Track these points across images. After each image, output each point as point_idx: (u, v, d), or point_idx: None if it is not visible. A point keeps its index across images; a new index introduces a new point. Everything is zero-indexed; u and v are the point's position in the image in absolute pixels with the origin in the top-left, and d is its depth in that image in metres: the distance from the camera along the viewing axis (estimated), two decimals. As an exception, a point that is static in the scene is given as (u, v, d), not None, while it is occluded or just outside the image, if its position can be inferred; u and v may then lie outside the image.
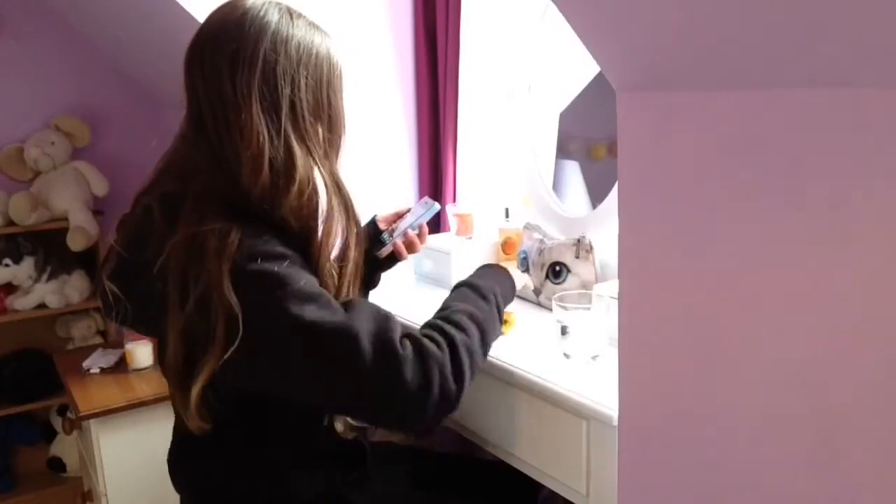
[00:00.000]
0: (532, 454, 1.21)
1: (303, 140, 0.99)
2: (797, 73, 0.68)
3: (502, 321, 1.16)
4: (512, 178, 1.92)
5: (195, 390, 0.95)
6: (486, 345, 1.05)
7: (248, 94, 0.96)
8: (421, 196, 2.04)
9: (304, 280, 0.94)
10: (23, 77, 2.39)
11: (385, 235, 1.35)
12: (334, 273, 1.03)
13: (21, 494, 2.45)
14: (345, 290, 1.05)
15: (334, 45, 1.05)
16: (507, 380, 1.22)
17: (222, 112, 0.97)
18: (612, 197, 1.61)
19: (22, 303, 2.33)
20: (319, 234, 1.00)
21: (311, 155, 1.00)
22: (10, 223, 2.28)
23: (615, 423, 0.99)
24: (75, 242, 2.27)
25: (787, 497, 0.77)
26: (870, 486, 0.70)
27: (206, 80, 0.98)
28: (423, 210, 1.37)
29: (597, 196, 1.73)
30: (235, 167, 0.97)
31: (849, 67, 0.64)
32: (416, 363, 0.92)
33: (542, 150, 1.85)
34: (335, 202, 1.02)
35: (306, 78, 0.99)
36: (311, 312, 0.91)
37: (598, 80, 1.64)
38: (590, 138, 1.81)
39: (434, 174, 2.04)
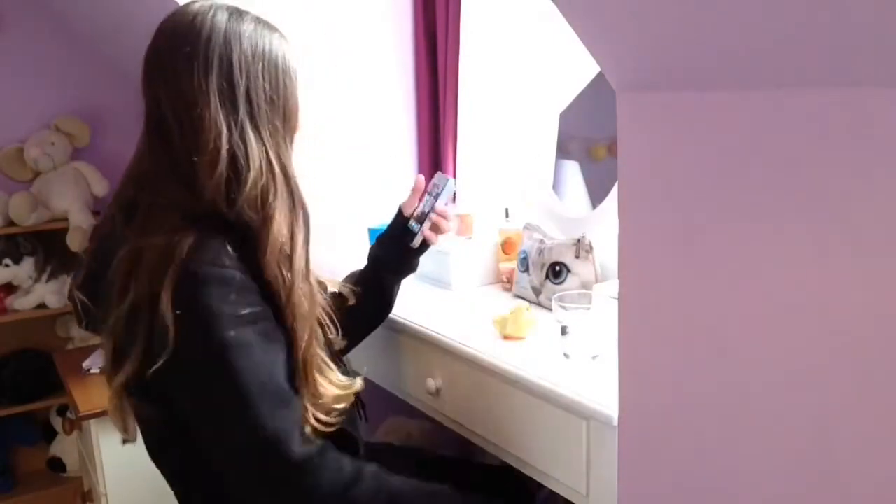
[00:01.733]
0: (532, 454, 1.21)
1: (258, 129, 1.03)
2: (797, 73, 0.68)
3: None
4: (512, 178, 1.92)
5: (111, 394, 1.00)
6: None
7: (207, 89, 1.00)
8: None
9: (236, 322, 0.96)
10: (23, 77, 2.39)
11: (413, 223, 1.38)
12: (281, 266, 1.05)
13: (21, 494, 2.45)
14: (297, 280, 1.05)
15: (283, 38, 1.09)
16: (507, 380, 1.22)
17: (184, 111, 1.00)
18: (612, 197, 1.61)
19: (22, 303, 2.33)
20: (272, 218, 1.03)
21: (266, 144, 1.03)
22: (10, 223, 2.28)
23: (615, 423, 0.99)
24: (75, 242, 2.27)
25: (785, 496, 0.77)
26: (868, 485, 0.70)
27: (166, 84, 1.02)
28: (440, 189, 1.38)
29: (597, 196, 1.73)
30: (193, 166, 1.00)
31: (849, 67, 0.64)
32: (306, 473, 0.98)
33: (542, 150, 1.85)
34: (281, 190, 1.05)
35: (262, 67, 1.03)
36: (236, 357, 0.95)
37: (598, 80, 1.64)
38: (590, 138, 1.82)
39: (434, 174, 2.03)
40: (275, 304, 1.03)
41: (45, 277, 2.37)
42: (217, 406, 0.98)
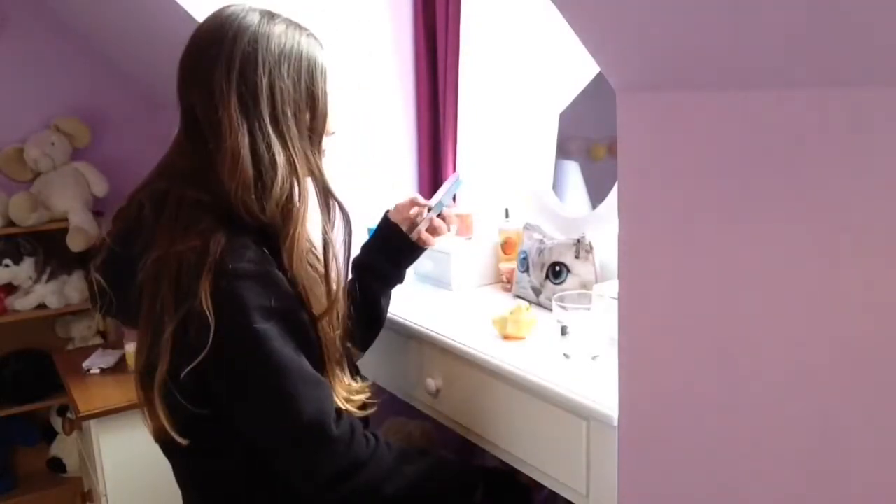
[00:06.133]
0: (532, 454, 1.21)
1: (281, 131, 1.02)
2: (797, 73, 0.68)
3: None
4: (512, 178, 1.92)
5: (156, 391, 0.99)
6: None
7: (228, 90, 1.00)
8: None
9: (268, 314, 0.97)
10: (23, 77, 2.39)
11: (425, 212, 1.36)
12: (317, 260, 1.08)
13: (21, 494, 2.45)
14: (332, 277, 1.08)
15: (314, 39, 1.08)
16: (507, 380, 1.22)
17: (212, 112, 1.01)
18: (612, 197, 1.61)
19: (22, 303, 2.33)
20: (295, 220, 1.03)
21: (291, 145, 1.03)
22: (10, 223, 2.28)
23: (615, 423, 0.99)
24: (75, 243, 2.27)
25: (786, 496, 0.77)
26: (869, 484, 0.70)
27: (194, 87, 1.02)
28: (448, 186, 1.36)
29: (597, 196, 1.73)
30: (220, 168, 1.00)
31: (849, 67, 0.64)
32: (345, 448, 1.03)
33: (542, 150, 1.85)
34: (307, 192, 1.05)
35: (288, 68, 1.03)
36: (272, 346, 0.97)
37: (598, 80, 1.64)
38: (590, 138, 1.81)
39: (434, 174, 2.04)
40: (302, 302, 1.04)
41: (45, 278, 2.37)
42: (258, 394, 0.99)
